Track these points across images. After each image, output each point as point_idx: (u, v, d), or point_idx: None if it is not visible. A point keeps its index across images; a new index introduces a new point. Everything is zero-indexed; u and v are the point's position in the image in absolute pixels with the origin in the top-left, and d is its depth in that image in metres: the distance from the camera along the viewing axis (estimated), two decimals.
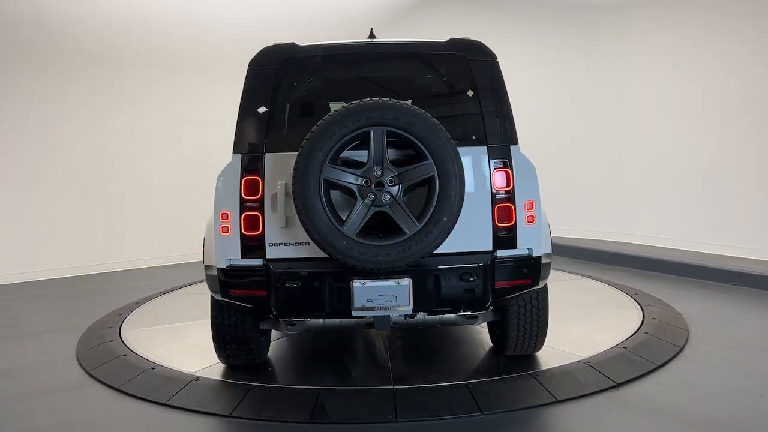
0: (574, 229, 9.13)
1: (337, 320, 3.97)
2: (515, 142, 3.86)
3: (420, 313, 3.84)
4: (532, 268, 3.87)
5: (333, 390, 4.05)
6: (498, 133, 3.85)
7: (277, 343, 5.06)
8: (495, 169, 3.80)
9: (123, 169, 8.62)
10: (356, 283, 3.65)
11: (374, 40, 4.27)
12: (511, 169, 3.81)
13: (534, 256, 3.85)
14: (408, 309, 3.68)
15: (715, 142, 7.64)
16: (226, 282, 3.87)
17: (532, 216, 3.83)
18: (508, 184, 3.81)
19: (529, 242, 3.85)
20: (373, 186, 3.49)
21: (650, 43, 8.26)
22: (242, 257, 3.83)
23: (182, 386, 4.17)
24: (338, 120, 3.48)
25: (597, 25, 8.79)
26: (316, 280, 3.75)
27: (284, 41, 4.07)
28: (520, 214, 3.81)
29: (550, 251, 4.05)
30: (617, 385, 4.06)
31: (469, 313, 3.96)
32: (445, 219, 3.49)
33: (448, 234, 3.55)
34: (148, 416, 3.89)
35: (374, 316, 3.76)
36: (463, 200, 3.53)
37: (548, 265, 4.00)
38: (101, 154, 8.54)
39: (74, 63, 8.21)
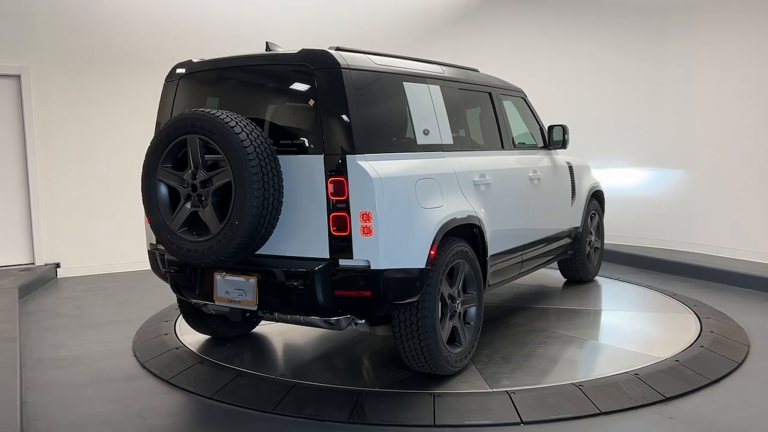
0: (636, 237, 8.87)
1: (225, 307, 4.26)
2: (354, 152, 3.78)
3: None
4: (370, 281, 3.75)
5: (373, 392, 4.08)
6: (335, 143, 3.80)
7: (320, 342, 5.14)
8: (330, 178, 3.79)
9: None
10: (217, 275, 4.13)
11: (266, 53, 4.33)
12: (347, 179, 3.76)
13: (372, 268, 3.75)
14: (254, 305, 4.01)
15: None
16: (151, 261, 4.67)
17: (369, 227, 3.73)
18: (343, 194, 3.77)
19: (366, 254, 3.75)
20: (189, 188, 3.89)
21: (715, 51, 7.92)
22: (156, 242, 4.45)
23: (227, 381, 4.29)
24: (166, 128, 3.95)
25: (662, 28, 8.50)
26: (190, 269, 4.25)
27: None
28: (356, 225, 3.74)
29: (413, 267, 3.88)
30: (666, 400, 3.93)
31: (322, 317, 3.99)
32: (236, 222, 3.70)
33: (248, 236, 3.73)
34: (193, 408, 4.04)
35: (230, 307, 4.19)
36: (259, 207, 3.71)
37: (401, 281, 3.84)
38: None
39: (132, 64, 8.56)
